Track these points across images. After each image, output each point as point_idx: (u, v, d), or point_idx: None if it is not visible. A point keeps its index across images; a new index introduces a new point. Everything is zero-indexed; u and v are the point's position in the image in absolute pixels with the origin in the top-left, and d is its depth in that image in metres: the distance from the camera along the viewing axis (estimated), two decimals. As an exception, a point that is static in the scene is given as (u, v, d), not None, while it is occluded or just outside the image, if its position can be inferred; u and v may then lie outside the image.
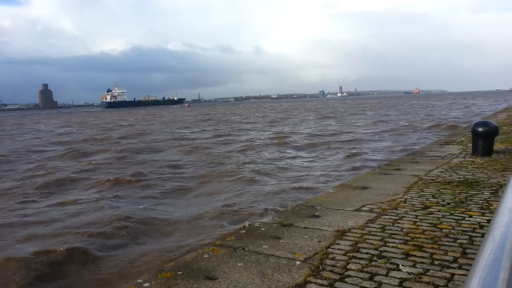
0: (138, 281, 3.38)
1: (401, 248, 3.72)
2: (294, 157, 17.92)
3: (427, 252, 3.61)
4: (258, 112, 76.41)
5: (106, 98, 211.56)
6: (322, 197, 5.96)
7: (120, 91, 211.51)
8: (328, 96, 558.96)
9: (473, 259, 3.39)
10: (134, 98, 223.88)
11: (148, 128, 43.13)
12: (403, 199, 5.48)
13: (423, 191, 5.88)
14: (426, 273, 3.19)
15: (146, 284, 3.26)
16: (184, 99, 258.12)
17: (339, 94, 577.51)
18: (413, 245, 3.79)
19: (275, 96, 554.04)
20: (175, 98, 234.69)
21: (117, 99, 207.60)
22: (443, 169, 7.56)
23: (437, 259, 3.45)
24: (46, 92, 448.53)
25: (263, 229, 4.53)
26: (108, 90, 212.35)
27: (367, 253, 3.65)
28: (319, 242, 4.01)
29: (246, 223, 6.35)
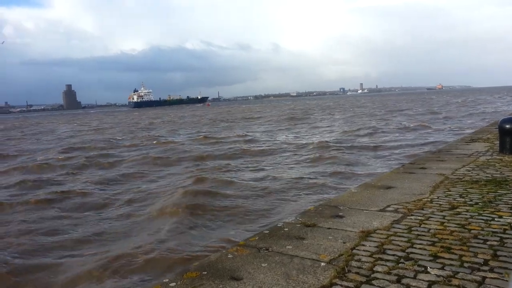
0: (164, 280, 3.41)
1: (429, 250, 3.64)
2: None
3: (456, 254, 3.52)
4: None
5: (133, 98, 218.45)
6: (345, 196, 5.90)
7: (146, 91, 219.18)
8: (349, 93, 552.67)
9: (505, 261, 3.30)
10: (160, 98, 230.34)
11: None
12: (429, 199, 5.37)
13: (449, 191, 5.75)
14: (456, 276, 3.12)
15: (172, 284, 3.29)
16: (207, 97, 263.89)
17: (359, 91, 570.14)
18: (441, 246, 3.71)
19: (295, 94, 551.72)
20: (199, 97, 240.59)
21: (143, 99, 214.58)
22: (470, 167, 7.38)
23: (467, 262, 3.36)
24: (69, 93, 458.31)
25: (286, 229, 4.51)
26: (135, 90, 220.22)
27: (393, 255, 3.59)
28: (344, 243, 3.97)
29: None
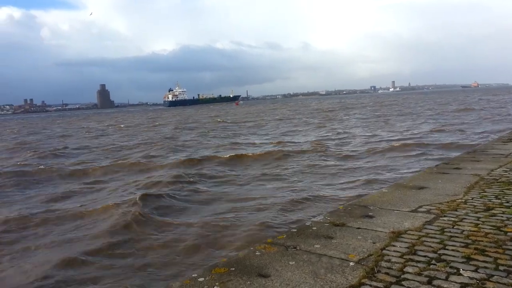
0: (193, 275, 3.46)
1: (462, 252, 3.54)
2: None
3: (490, 257, 3.41)
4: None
5: (168, 97, 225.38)
6: (376, 196, 5.81)
7: (180, 90, 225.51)
8: (380, 91, 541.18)
9: (543, 266, 3.17)
10: (193, 97, 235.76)
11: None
12: (463, 200, 5.21)
13: (485, 192, 5.56)
14: (490, 279, 3.02)
15: (201, 279, 3.34)
16: (240, 96, 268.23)
17: (391, 89, 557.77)
18: (475, 248, 3.60)
19: (324, 93, 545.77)
20: (231, 95, 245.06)
21: (178, 98, 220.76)
22: (507, 168, 7.10)
23: (502, 265, 3.25)
24: (103, 92, 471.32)
25: (315, 228, 4.49)
26: (170, 90, 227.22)
27: (425, 256, 3.51)
28: (374, 243, 3.91)
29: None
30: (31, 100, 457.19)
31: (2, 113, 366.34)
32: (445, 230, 4.14)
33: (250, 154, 20.11)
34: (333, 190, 11.79)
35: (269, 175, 14.88)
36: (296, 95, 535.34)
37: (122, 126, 57.30)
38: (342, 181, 12.97)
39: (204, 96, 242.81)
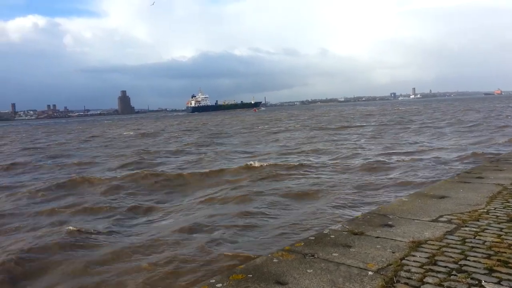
0: (211, 281, 3.49)
1: (484, 263, 3.47)
2: None
3: (514, 269, 3.33)
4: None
5: (191, 103, 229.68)
6: (395, 205, 5.74)
7: (203, 96, 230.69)
8: (400, 98, 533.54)
9: None
10: (215, 103, 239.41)
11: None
12: (485, 210, 5.11)
13: (508, 202, 5.44)
14: (514, 292, 2.95)
15: (219, 285, 3.36)
16: (261, 102, 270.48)
17: (412, 96, 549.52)
18: (498, 260, 3.52)
19: (342, 99, 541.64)
20: (252, 102, 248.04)
21: (201, 104, 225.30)
22: (532, 178, 6.92)
23: (527, 277, 3.17)
24: (124, 98, 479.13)
25: (333, 236, 4.46)
26: (193, 96, 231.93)
27: (445, 267, 3.45)
28: (393, 252, 3.87)
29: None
30: (54, 105, 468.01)
31: (26, 118, 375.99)
32: (467, 240, 4.07)
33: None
34: None
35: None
36: (314, 101, 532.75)
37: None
38: None
39: (226, 103, 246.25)
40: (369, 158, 18.68)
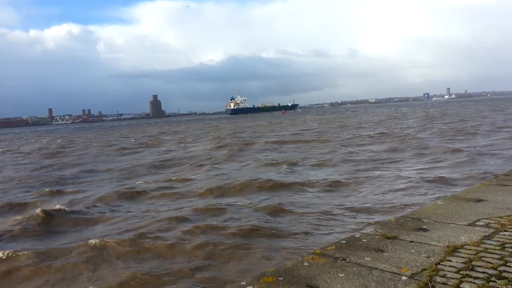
0: (241, 283, 3.50)
1: (525, 270, 3.32)
2: None
3: (558, 276, 3.17)
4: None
5: (230, 106, 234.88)
6: (430, 209, 5.58)
7: (242, 98, 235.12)
8: (434, 99, 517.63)
9: None
10: (253, 105, 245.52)
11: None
12: (526, 214, 4.89)
13: (551, 206, 5.19)
14: (558, 301, 2.81)
15: (249, 287, 3.37)
16: (297, 104, 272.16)
17: (446, 97, 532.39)
18: (540, 267, 3.36)
19: (373, 101, 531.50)
20: (289, 104, 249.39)
21: (239, 106, 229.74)
22: None
23: None
24: (155, 103, 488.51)
25: (365, 240, 4.39)
26: (232, 98, 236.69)
27: (483, 272, 3.33)
28: (428, 257, 3.76)
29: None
30: (89, 110, 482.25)
31: (62, 122, 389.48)
32: (506, 245, 3.91)
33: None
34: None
35: None
36: (344, 103, 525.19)
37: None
38: None
39: (265, 104, 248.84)
40: None
